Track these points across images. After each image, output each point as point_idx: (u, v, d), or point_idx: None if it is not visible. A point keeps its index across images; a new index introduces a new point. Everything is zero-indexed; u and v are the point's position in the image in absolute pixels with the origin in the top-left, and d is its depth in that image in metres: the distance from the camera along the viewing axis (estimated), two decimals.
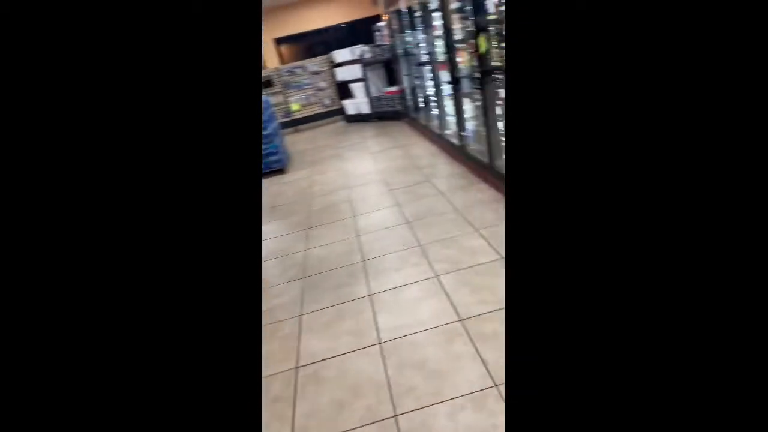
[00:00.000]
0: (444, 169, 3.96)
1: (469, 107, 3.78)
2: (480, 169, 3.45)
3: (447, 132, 4.47)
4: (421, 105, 5.61)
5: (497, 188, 3.14)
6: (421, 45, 4.74)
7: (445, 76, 4.25)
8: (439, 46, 4.15)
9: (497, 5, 2.75)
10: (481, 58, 2.91)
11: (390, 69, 7.01)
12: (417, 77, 5.49)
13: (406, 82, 6.13)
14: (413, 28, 4.84)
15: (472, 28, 3.29)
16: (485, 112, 3.10)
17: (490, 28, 2.82)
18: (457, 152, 4.00)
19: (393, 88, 6.65)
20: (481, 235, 2.57)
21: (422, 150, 4.79)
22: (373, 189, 3.90)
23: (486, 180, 3.35)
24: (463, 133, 3.78)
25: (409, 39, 5.32)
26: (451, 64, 3.60)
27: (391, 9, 5.87)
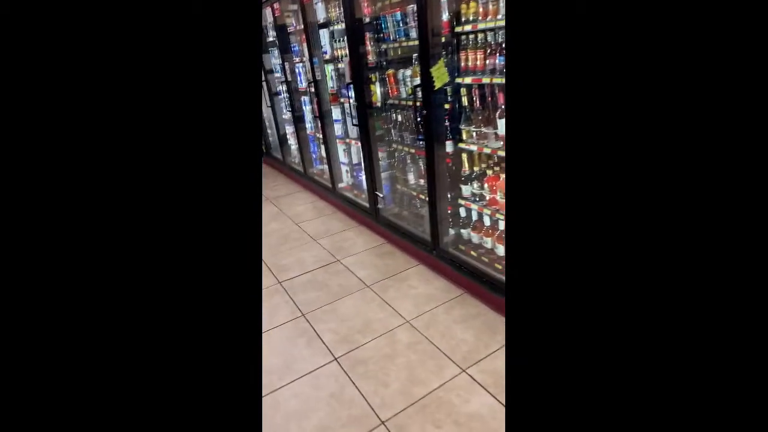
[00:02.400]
0: (354, 241, 2.83)
1: (383, 155, 2.80)
2: (415, 245, 2.48)
3: (342, 185, 3.39)
4: (292, 143, 4.40)
5: (454, 280, 2.20)
6: (298, 70, 3.60)
7: (336, 111, 3.21)
8: (330, 72, 3.10)
9: (449, 22, 1.89)
10: (429, 91, 1.98)
11: None
12: (286, 107, 4.29)
13: (264, 111, 4.83)
14: (284, 49, 3.66)
15: (402, 52, 2.39)
16: (430, 170, 2.15)
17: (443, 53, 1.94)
18: (366, 215, 2.96)
19: None
20: (478, 383, 1.55)
21: (306, 206, 3.57)
22: None
23: (430, 264, 2.39)
24: (379, 194, 2.76)
25: (275, 61, 4.10)
26: (361, 97, 2.58)
27: None
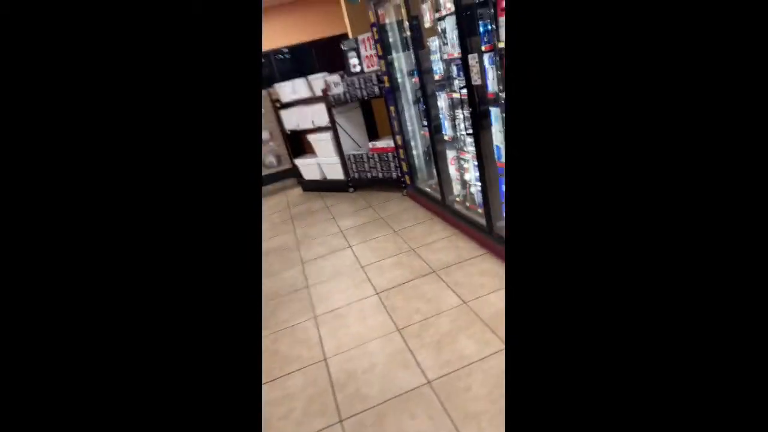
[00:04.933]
0: None
1: None
2: None
3: None
4: (454, 175, 3.01)
5: None
6: (486, 65, 2.17)
7: None
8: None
9: None
10: None
11: (368, 111, 4.42)
12: (452, 122, 2.92)
13: (409, 128, 3.55)
14: (469, 30, 2.27)
15: None
16: None
17: None
18: None
19: (382, 143, 4.01)
20: None
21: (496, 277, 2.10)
22: None
23: None
24: None
25: (435, 56, 2.75)
26: None
27: (374, 21, 3.28)
